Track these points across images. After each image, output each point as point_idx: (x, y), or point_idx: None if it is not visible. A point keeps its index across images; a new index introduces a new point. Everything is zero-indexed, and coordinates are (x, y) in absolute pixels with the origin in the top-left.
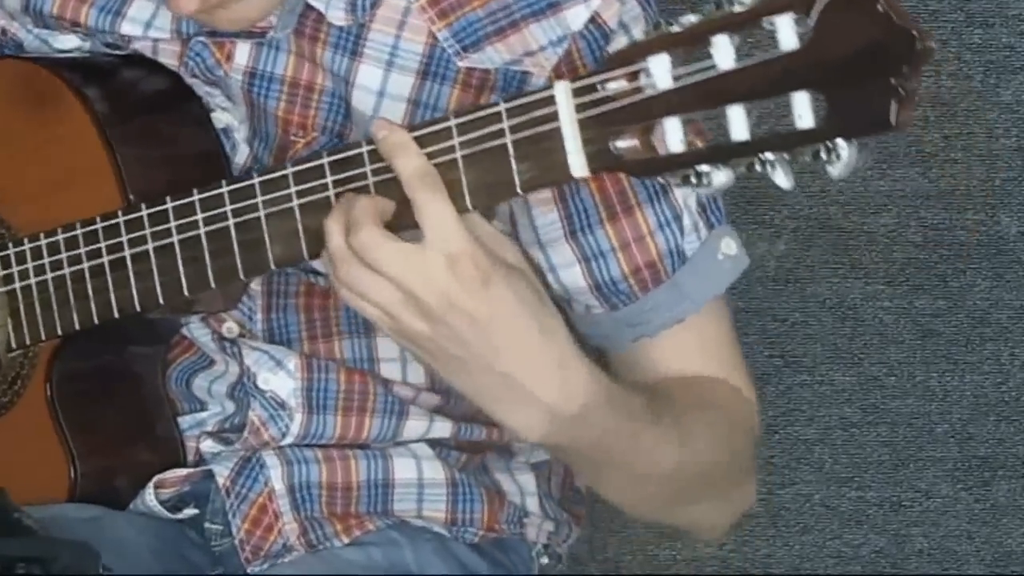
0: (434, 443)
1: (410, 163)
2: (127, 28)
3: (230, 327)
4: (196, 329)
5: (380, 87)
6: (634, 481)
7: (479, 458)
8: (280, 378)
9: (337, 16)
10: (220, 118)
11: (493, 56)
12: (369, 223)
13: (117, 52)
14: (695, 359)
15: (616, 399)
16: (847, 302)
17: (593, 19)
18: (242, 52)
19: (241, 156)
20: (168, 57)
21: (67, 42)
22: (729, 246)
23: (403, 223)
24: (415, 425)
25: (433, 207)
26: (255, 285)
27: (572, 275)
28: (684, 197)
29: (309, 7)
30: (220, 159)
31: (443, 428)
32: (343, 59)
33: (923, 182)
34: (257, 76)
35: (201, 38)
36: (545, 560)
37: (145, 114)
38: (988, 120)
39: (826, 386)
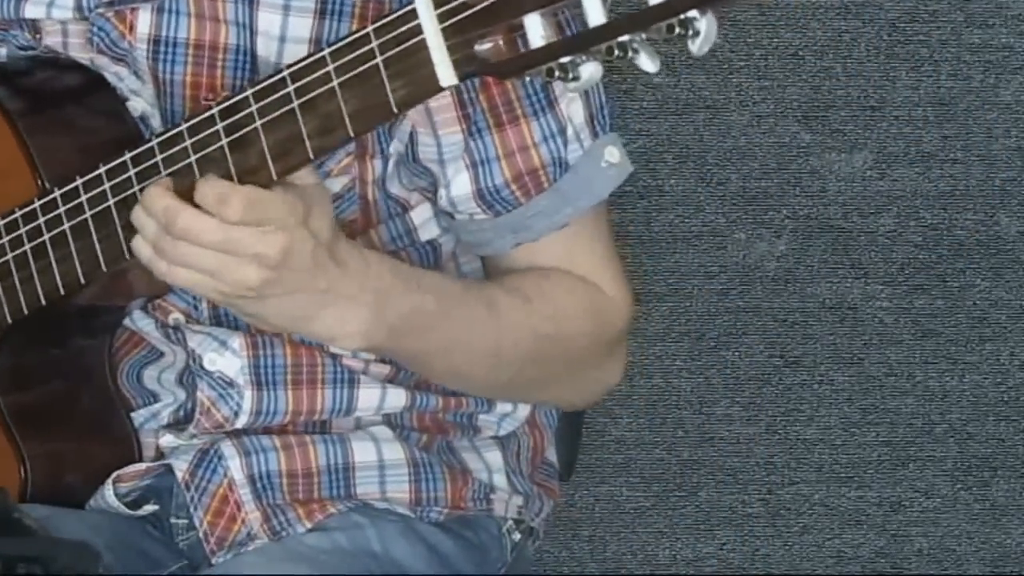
0: (393, 425)
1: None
2: (31, 11)
3: (176, 317)
4: (140, 321)
5: (280, 32)
6: (456, 360)
7: (441, 438)
8: (226, 358)
9: None
10: (135, 106)
11: None
12: (179, 206)
13: (31, 53)
14: (575, 261)
15: (410, 274)
16: (847, 302)
17: None
18: (143, 21)
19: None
20: (78, 39)
21: None
22: (612, 154)
23: (294, 161)
24: (368, 395)
25: (257, 208)
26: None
27: (460, 183)
28: (568, 109)
29: None
30: (139, 143)
31: (397, 397)
32: (243, 7)
33: (923, 182)
34: (161, 43)
35: (101, 10)
36: (518, 536)
37: (59, 107)
38: (988, 120)
39: (826, 386)
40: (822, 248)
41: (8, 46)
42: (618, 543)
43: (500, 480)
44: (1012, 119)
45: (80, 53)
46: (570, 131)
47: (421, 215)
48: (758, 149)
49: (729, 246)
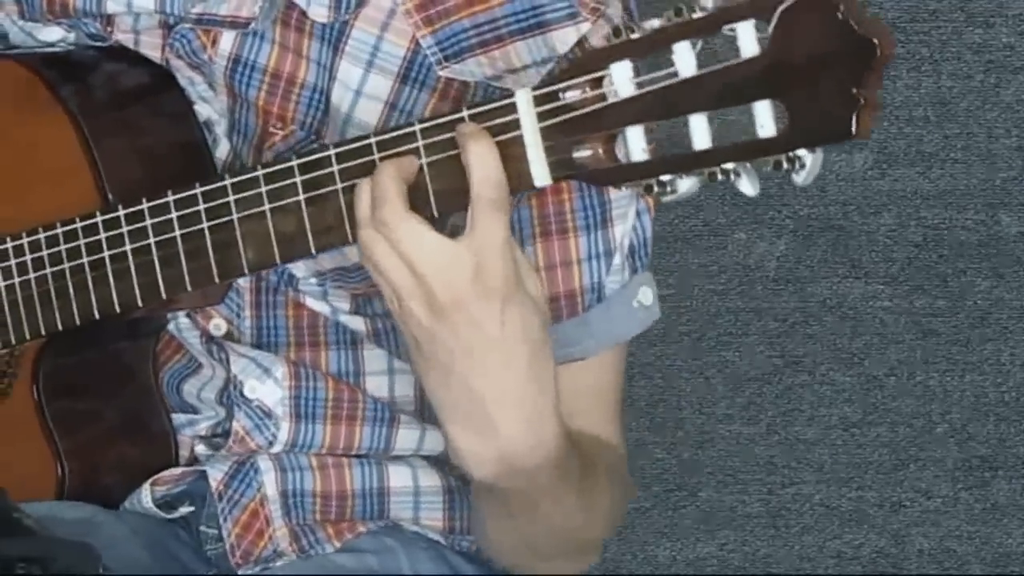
0: (430, 458)
1: (487, 167)
2: (111, 6)
3: (217, 324)
4: (185, 329)
5: (358, 86)
6: (527, 536)
7: None
8: (267, 387)
9: (319, 13)
10: (201, 111)
11: (475, 69)
12: (392, 198)
13: (100, 44)
14: (582, 399)
15: (563, 466)
16: (847, 302)
17: (580, 42)
18: (227, 39)
19: (221, 151)
20: (151, 45)
21: (51, 34)
22: (646, 295)
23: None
24: (407, 435)
25: (490, 217)
26: (242, 282)
27: None
28: (621, 236)
29: (292, 2)
30: (203, 151)
31: (435, 439)
32: (328, 52)
33: (923, 182)
34: (240, 63)
35: (188, 25)
36: None
37: (125, 108)
38: (988, 120)
39: (826, 386)
40: (822, 248)
41: (77, 32)
42: (618, 543)
43: None
44: (1012, 119)
45: (152, 53)
46: (617, 259)
47: None
48: None
49: (729, 246)
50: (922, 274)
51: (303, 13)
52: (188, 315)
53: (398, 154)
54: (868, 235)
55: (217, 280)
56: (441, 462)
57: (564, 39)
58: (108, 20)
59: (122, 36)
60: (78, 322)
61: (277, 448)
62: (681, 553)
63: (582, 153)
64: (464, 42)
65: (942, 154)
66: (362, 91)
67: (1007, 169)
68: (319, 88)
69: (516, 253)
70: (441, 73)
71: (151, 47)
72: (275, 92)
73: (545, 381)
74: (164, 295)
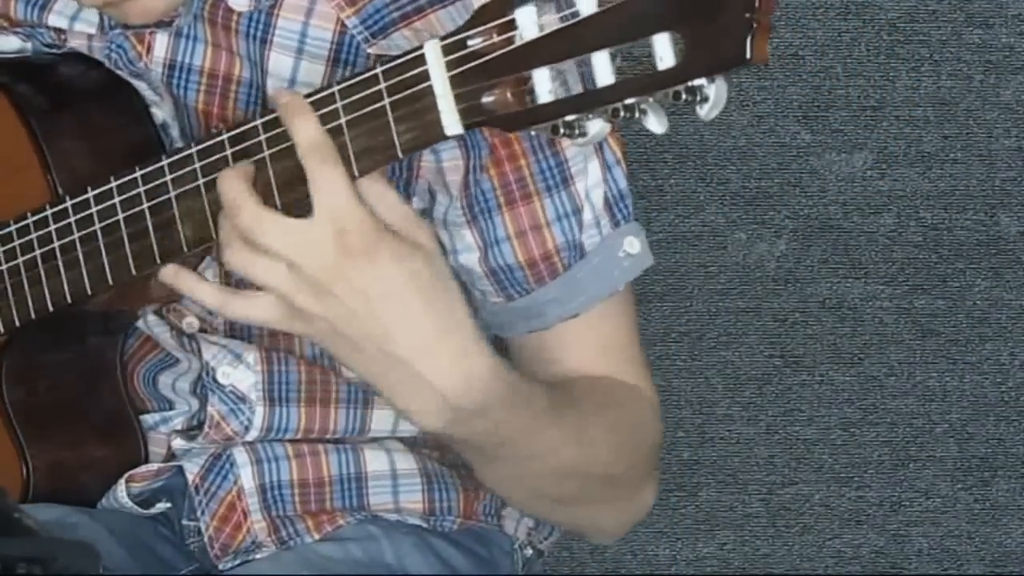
0: (406, 440)
1: (306, 131)
2: (54, 20)
3: (190, 321)
4: (155, 326)
5: (291, 75)
6: (527, 478)
7: (454, 455)
8: (240, 371)
9: (239, 3)
10: (156, 114)
11: (401, 43)
12: (248, 203)
13: (56, 51)
14: (590, 354)
15: (519, 396)
16: (847, 302)
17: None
18: (161, 44)
19: None
20: (99, 52)
21: (9, 44)
22: (632, 244)
23: (299, 195)
24: (381, 416)
25: (324, 177)
26: (210, 275)
27: (470, 260)
28: (587, 191)
29: None
30: (158, 151)
31: None
32: (255, 46)
33: (923, 182)
34: (176, 68)
35: (118, 30)
36: (529, 552)
37: (79, 107)
38: (988, 120)
39: (826, 386)
40: (822, 248)
41: (33, 42)
42: (618, 543)
43: None
44: (1012, 119)
45: (104, 59)
46: (588, 215)
47: None
48: (758, 149)
49: (729, 246)
50: (922, 274)
51: (228, 9)
52: (159, 313)
53: (320, 117)
54: (868, 235)
55: (158, 260)
56: (418, 444)
57: (480, 1)
58: (59, 30)
59: (76, 43)
60: (33, 316)
61: (253, 434)
62: (681, 553)
63: (491, 98)
64: (387, 17)
65: (942, 154)
66: (296, 79)
67: (1007, 169)
68: (254, 83)
69: (371, 197)
70: (370, 51)
71: (100, 50)
72: (213, 92)
73: (452, 317)
74: (111, 281)
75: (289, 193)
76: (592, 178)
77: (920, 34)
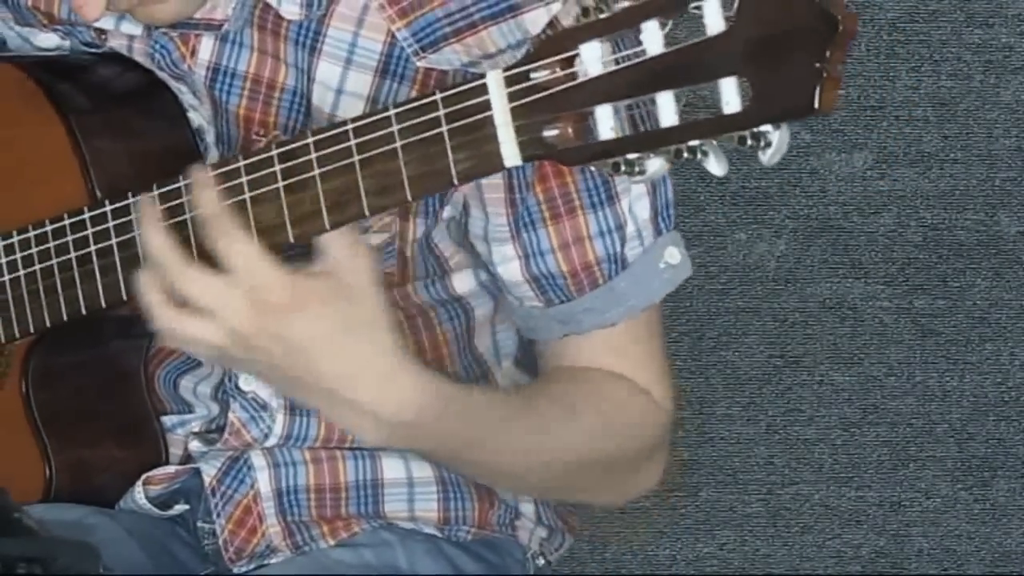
0: None
1: (207, 204)
2: (101, 21)
3: None
4: None
5: (339, 84)
6: (503, 476)
7: None
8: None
9: (291, 11)
10: (193, 118)
11: (451, 57)
12: (169, 258)
13: (95, 51)
14: (616, 359)
15: (456, 405)
16: (847, 302)
17: (552, 23)
18: (206, 47)
19: (212, 159)
20: (141, 54)
21: (47, 40)
22: (673, 255)
23: (350, 215)
24: None
25: (230, 244)
26: None
27: (511, 269)
28: (631, 206)
29: (265, 2)
30: (195, 154)
31: None
32: (304, 54)
33: (923, 182)
34: (220, 72)
35: (164, 30)
36: (541, 561)
37: (116, 111)
38: (988, 120)
39: (826, 386)
40: (822, 248)
41: (72, 40)
42: (618, 543)
43: (527, 508)
44: (1012, 119)
45: (145, 60)
46: (631, 228)
47: (462, 282)
48: None
49: (729, 246)
50: (922, 274)
51: (278, 15)
52: None
53: (374, 140)
54: (868, 235)
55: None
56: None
57: (536, 21)
58: (100, 29)
59: (116, 43)
60: (66, 318)
61: (272, 441)
62: (681, 553)
63: (551, 132)
64: (439, 31)
65: (942, 154)
66: (343, 89)
67: (1007, 169)
68: (299, 91)
69: (271, 266)
70: (419, 64)
71: (142, 54)
72: (256, 98)
73: (372, 343)
74: None
75: (338, 213)
76: (635, 192)
77: (920, 34)
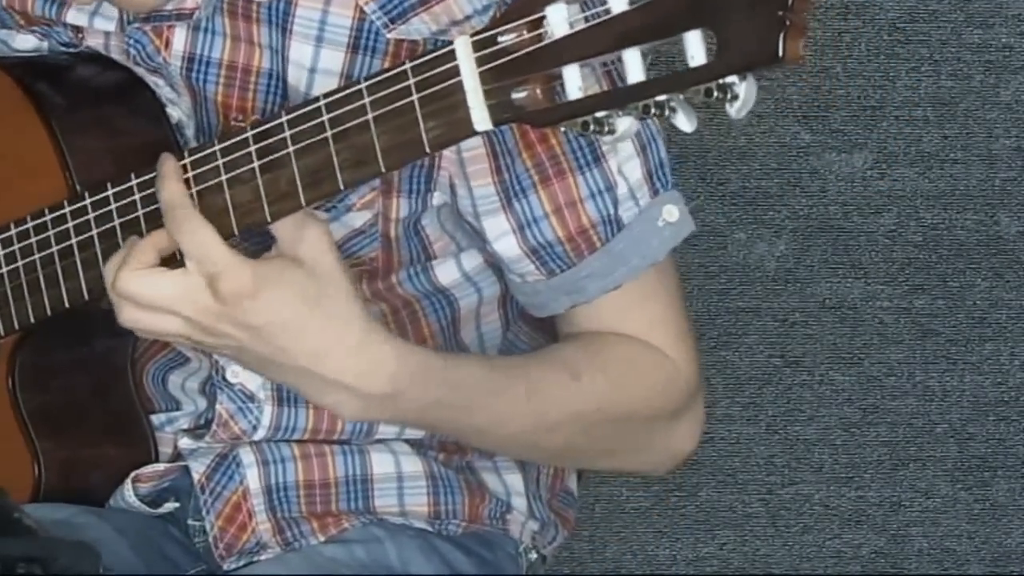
0: (413, 444)
1: (168, 192)
2: (73, 17)
3: None
4: None
5: (312, 63)
6: (503, 441)
7: (460, 458)
8: (248, 371)
9: None
10: (172, 113)
11: (420, 27)
12: (126, 270)
13: (73, 50)
14: (625, 321)
15: (435, 372)
16: (847, 302)
17: None
18: (179, 38)
19: None
20: (117, 51)
21: (26, 42)
22: (671, 212)
23: (326, 190)
24: None
25: (187, 233)
26: None
27: (507, 244)
28: (620, 166)
29: None
30: (173, 149)
31: None
32: (276, 34)
33: (923, 182)
34: (195, 61)
35: (137, 24)
36: (534, 556)
37: (97, 106)
38: (988, 120)
39: (826, 386)
40: (822, 248)
41: (50, 41)
42: (618, 543)
43: (519, 502)
44: (1012, 119)
45: (122, 58)
46: (623, 189)
47: (446, 272)
48: (758, 149)
49: (729, 246)
50: (922, 274)
51: (247, 0)
52: None
53: (346, 113)
54: (868, 235)
55: (179, 257)
56: (424, 446)
57: None
58: (76, 28)
59: (93, 42)
60: (49, 313)
61: (261, 433)
62: (681, 553)
63: (520, 95)
64: (406, 2)
65: (942, 154)
66: (316, 68)
67: (1007, 169)
68: (275, 73)
69: (229, 254)
70: (389, 36)
71: (119, 51)
72: (232, 84)
73: (343, 318)
74: None
75: (314, 189)
76: (623, 153)
77: (920, 34)
